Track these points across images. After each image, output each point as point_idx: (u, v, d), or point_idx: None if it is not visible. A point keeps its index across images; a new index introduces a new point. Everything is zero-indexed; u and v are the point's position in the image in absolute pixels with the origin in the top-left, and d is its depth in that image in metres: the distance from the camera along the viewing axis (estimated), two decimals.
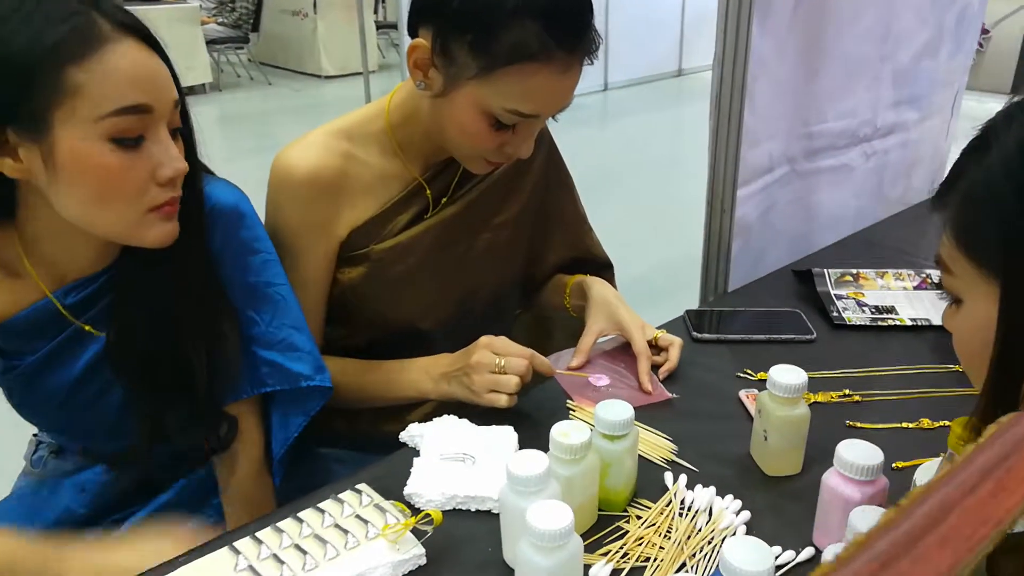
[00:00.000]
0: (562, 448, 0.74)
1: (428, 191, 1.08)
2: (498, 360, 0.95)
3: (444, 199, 1.09)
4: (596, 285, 1.14)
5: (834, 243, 1.54)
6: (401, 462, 0.90)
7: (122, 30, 0.76)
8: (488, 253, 1.13)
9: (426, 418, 1.13)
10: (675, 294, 2.79)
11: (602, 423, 0.79)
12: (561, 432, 0.76)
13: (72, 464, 1.07)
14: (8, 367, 0.91)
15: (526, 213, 1.17)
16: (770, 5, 1.28)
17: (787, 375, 0.83)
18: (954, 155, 1.69)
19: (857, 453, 0.72)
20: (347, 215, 1.05)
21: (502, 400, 0.95)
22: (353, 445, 1.18)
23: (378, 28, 8.20)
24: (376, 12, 8.36)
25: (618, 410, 0.80)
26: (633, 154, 5.18)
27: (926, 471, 0.83)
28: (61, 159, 0.74)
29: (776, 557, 0.73)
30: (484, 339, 0.99)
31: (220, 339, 0.93)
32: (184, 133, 0.84)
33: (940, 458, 0.86)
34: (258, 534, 0.77)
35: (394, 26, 8.64)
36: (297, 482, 1.10)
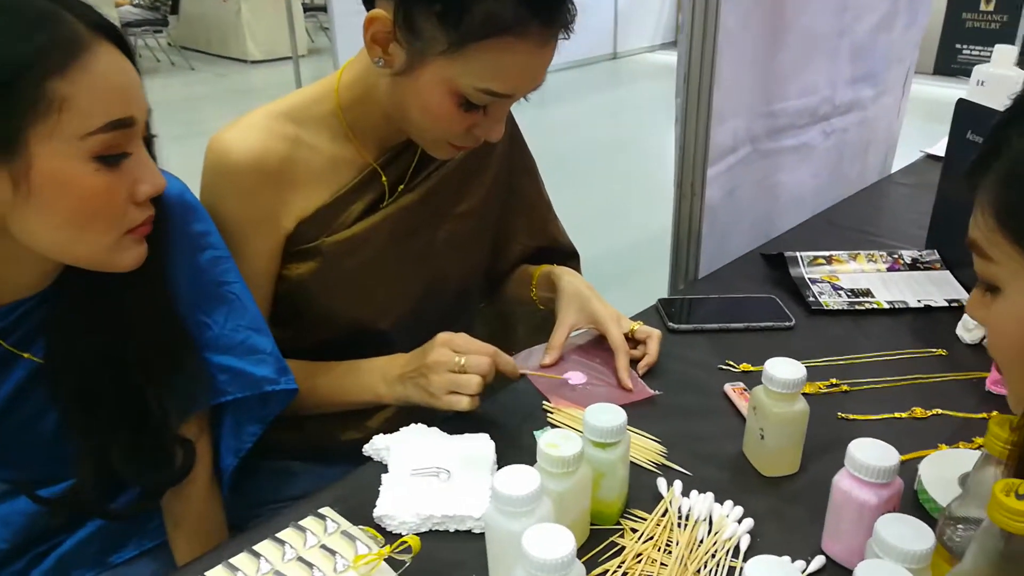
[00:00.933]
0: (552, 461, 0.67)
1: (384, 178, 0.98)
2: (458, 358, 0.87)
3: (401, 186, 1.00)
4: (566, 276, 1.07)
5: (797, 225, 1.50)
6: (366, 479, 0.81)
7: (98, 33, 0.66)
8: (450, 245, 1.05)
9: (387, 424, 1.05)
10: (629, 280, 2.76)
11: (593, 430, 0.72)
12: (550, 443, 0.68)
13: None
14: None
15: (490, 201, 1.08)
16: None
17: (784, 369, 0.77)
18: (906, 133, 1.67)
19: (871, 453, 0.67)
20: (294, 205, 0.95)
21: (463, 402, 0.86)
22: (305, 455, 1.09)
23: (306, 11, 7.94)
24: None
25: (609, 415, 0.72)
26: (572, 137, 5.13)
27: (931, 464, 0.79)
28: (38, 181, 0.65)
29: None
30: (442, 336, 0.90)
31: (174, 358, 0.84)
32: (148, 142, 0.75)
33: (945, 451, 0.82)
34: (232, 562, 0.67)
35: (323, 8, 8.36)
36: (243, 499, 1.01)
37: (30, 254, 0.72)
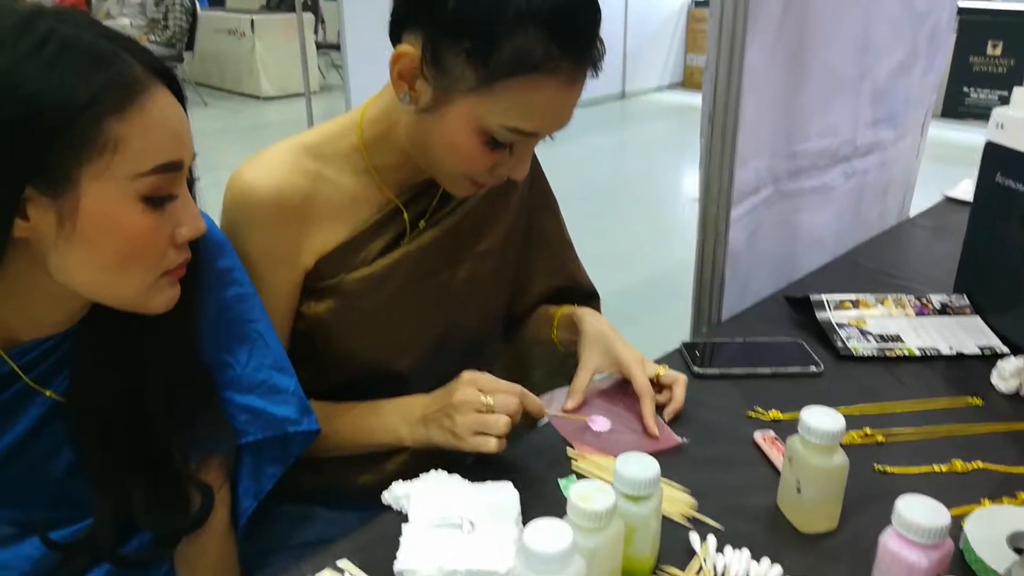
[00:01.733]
0: (584, 515, 0.64)
1: (405, 215, 0.96)
2: (485, 398, 0.84)
3: (422, 223, 0.98)
4: (588, 317, 1.04)
5: (820, 267, 1.48)
6: (386, 528, 0.78)
7: (154, 76, 0.67)
8: (470, 284, 1.02)
9: (404, 467, 1.02)
10: (641, 320, 2.73)
11: (625, 482, 0.68)
12: (580, 495, 0.65)
13: None
14: None
15: (511, 240, 1.06)
16: (759, 14, 1.21)
17: (823, 419, 0.74)
18: (924, 176, 1.66)
19: (920, 512, 0.63)
20: (314, 242, 0.93)
21: (490, 444, 0.83)
22: (320, 500, 1.05)
23: (319, 48, 8.05)
24: (316, 32, 8.20)
25: (642, 466, 0.69)
26: (581, 175, 5.14)
27: (977, 522, 0.75)
28: (84, 219, 0.64)
29: None
30: (467, 374, 0.87)
31: (196, 400, 0.83)
32: (190, 186, 0.74)
33: (990, 507, 0.78)
34: None
35: (335, 46, 8.49)
36: (257, 544, 0.98)
37: (62, 292, 0.72)
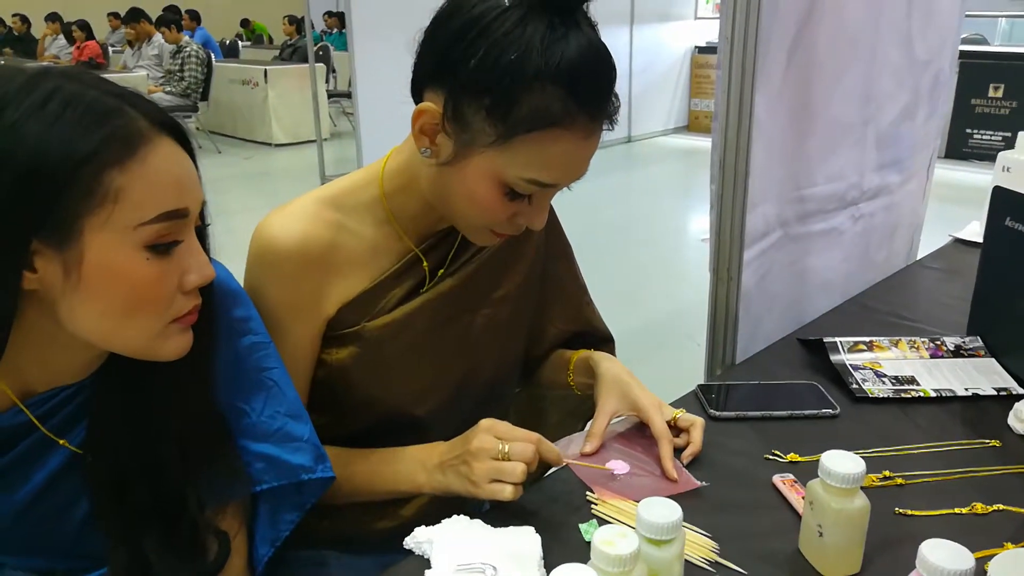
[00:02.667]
0: (608, 560, 0.64)
1: (425, 263, 0.98)
2: (501, 446, 0.85)
3: (441, 271, 1.00)
4: (604, 362, 1.05)
5: (831, 309, 1.49)
6: (408, 574, 0.78)
7: (159, 128, 0.69)
8: (488, 331, 1.04)
9: (421, 512, 1.02)
10: (649, 361, 2.73)
11: (648, 527, 0.69)
12: (605, 540, 0.65)
13: None
14: None
15: (527, 286, 1.08)
16: (763, 65, 1.25)
17: (843, 463, 0.75)
18: (930, 217, 1.68)
19: (945, 557, 0.63)
20: (336, 290, 0.95)
21: (506, 491, 0.84)
22: (337, 546, 1.05)
23: (329, 97, 8.21)
24: (327, 82, 8.37)
25: (664, 510, 0.70)
26: (588, 218, 5.18)
27: (1001, 566, 0.74)
28: (89, 269, 0.66)
29: None
30: (484, 422, 0.88)
31: (212, 450, 0.83)
32: (201, 232, 0.76)
33: (1012, 550, 0.78)
34: None
35: (346, 95, 8.65)
36: None
37: (76, 342, 0.72)
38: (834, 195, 1.64)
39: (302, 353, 0.95)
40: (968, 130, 6.53)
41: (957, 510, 0.87)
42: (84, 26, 8.59)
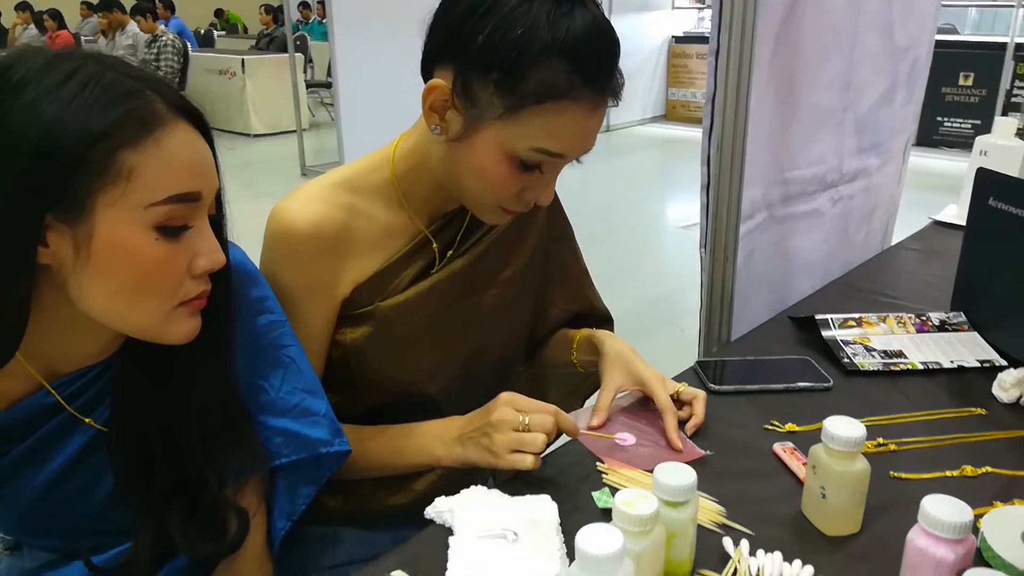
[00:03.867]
0: (630, 520, 0.67)
1: (435, 244, 1.01)
2: (522, 418, 0.88)
3: (450, 252, 1.03)
4: (608, 339, 1.09)
5: (819, 289, 1.53)
6: (431, 542, 0.81)
7: (177, 112, 0.70)
8: (496, 310, 1.07)
9: (433, 487, 1.05)
10: (636, 348, 2.77)
11: (665, 489, 0.72)
12: (626, 501, 0.68)
13: (31, 562, 0.94)
14: None
15: (532, 267, 1.11)
16: (754, 53, 1.28)
17: (845, 427, 0.79)
18: (904, 202, 1.73)
19: (946, 510, 0.67)
20: (350, 271, 0.97)
21: (527, 461, 0.87)
22: (350, 522, 1.08)
23: (308, 87, 8.16)
24: (305, 72, 8.32)
25: (680, 474, 0.73)
26: (567, 207, 5.22)
27: (992, 521, 0.79)
28: (98, 246, 0.67)
29: None
30: (504, 395, 0.91)
31: (233, 428, 0.85)
32: (217, 220, 0.77)
33: (1002, 508, 0.83)
34: None
35: (323, 85, 8.61)
36: (289, 567, 1.00)
37: (93, 322, 0.74)
38: (815, 178, 1.69)
39: (317, 333, 0.98)
40: (939, 118, 6.65)
41: (948, 473, 0.92)
42: (56, 15, 8.45)
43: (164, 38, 7.11)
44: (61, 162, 0.64)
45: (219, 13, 13.33)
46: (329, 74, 8.32)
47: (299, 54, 7.73)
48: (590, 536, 0.64)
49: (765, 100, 1.40)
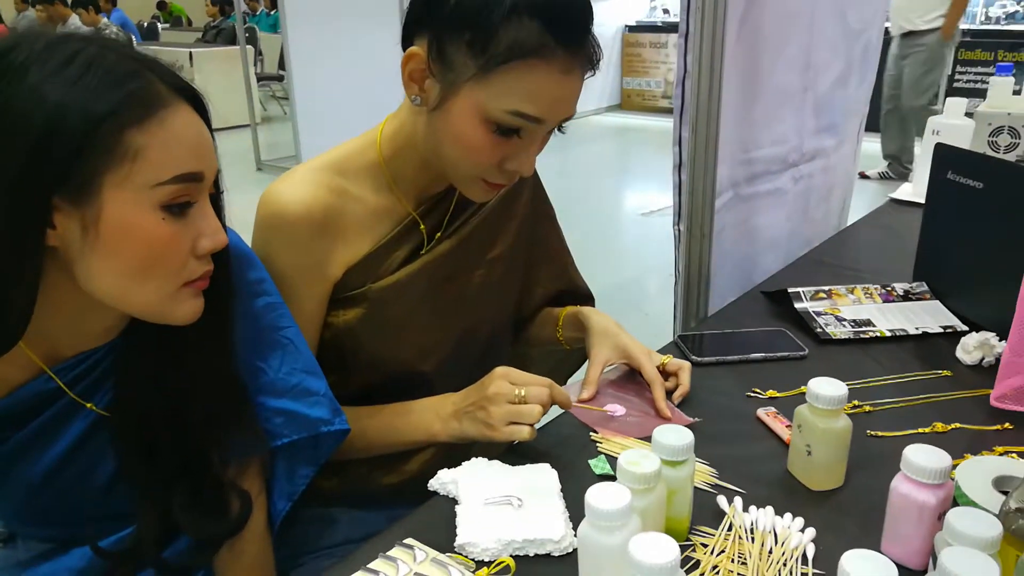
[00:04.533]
0: (635, 478, 0.71)
1: (422, 226, 1.03)
2: (518, 390, 0.90)
3: (438, 234, 1.04)
4: (594, 316, 1.12)
5: (788, 266, 1.59)
6: (437, 513, 0.83)
7: (177, 93, 0.71)
8: (484, 289, 1.09)
9: (426, 466, 1.07)
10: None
11: (664, 449, 0.76)
12: (630, 461, 0.72)
13: (26, 553, 0.93)
14: None
15: (517, 247, 1.13)
16: (724, 35, 1.32)
17: (828, 387, 0.83)
18: (857, 184, 1.79)
19: (925, 457, 0.72)
20: (341, 254, 0.98)
21: (523, 432, 0.89)
22: (344, 503, 1.10)
23: (258, 80, 8.02)
24: (255, 64, 8.18)
25: (678, 435, 0.77)
26: None
27: (964, 471, 0.84)
28: (106, 226, 0.67)
29: None
30: (499, 369, 0.93)
31: (234, 409, 0.86)
32: (216, 201, 0.78)
33: (972, 459, 0.88)
34: None
35: (274, 78, 8.48)
36: (287, 548, 1.02)
37: (98, 303, 0.74)
38: (778, 157, 1.75)
39: (310, 315, 0.99)
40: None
41: (920, 430, 0.97)
42: None
43: (108, 31, 6.91)
44: (68, 144, 0.65)
45: (162, 5, 13.01)
46: (280, 67, 8.22)
47: (249, 47, 7.60)
48: (599, 494, 0.67)
49: (730, 82, 1.44)
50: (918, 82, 5.09)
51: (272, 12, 9.99)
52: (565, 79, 0.87)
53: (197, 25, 11.62)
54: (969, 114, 1.89)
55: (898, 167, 5.39)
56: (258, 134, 6.14)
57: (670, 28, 8.54)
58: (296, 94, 5.23)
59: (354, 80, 5.24)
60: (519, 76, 0.85)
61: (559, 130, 0.93)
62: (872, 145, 6.10)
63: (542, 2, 0.83)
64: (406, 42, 0.91)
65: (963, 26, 6.40)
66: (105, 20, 7.26)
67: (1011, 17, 7.33)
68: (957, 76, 6.52)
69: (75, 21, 7.34)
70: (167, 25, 12.04)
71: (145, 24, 11.15)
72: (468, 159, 0.91)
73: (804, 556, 0.76)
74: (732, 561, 0.75)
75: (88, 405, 0.81)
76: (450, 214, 1.05)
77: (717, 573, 0.74)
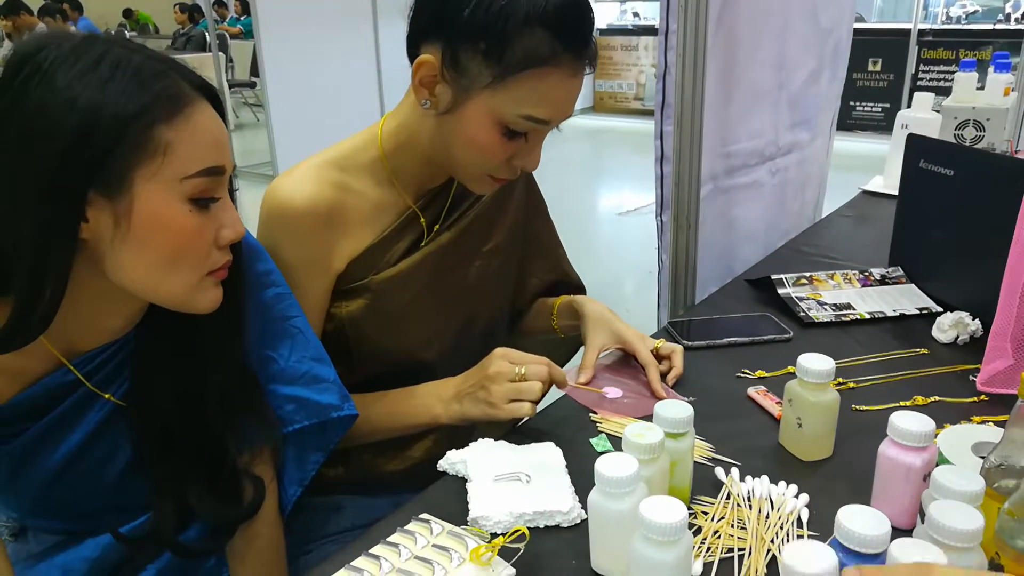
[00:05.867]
0: (640, 448, 0.74)
1: (422, 219, 1.06)
2: (518, 368, 0.94)
3: (437, 226, 1.08)
4: (588, 303, 1.16)
5: (769, 255, 1.64)
6: (448, 489, 0.87)
7: (199, 91, 0.74)
8: (482, 280, 1.12)
9: (429, 452, 1.10)
10: None
11: (666, 422, 0.80)
12: (635, 433, 0.75)
13: (37, 546, 0.95)
14: None
15: (512, 239, 1.17)
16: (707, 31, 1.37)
17: (816, 362, 0.87)
18: (842, 173, 1.87)
19: (910, 422, 0.77)
20: (344, 247, 1.01)
21: (524, 408, 0.93)
22: (349, 490, 1.12)
23: (231, 87, 7.98)
24: (227, 72, 8.13)
25: (679, 408, 0.81)
26: None
27: (945, 438, 0.89)
28: (138, 218, 0.70)
29: None
30: (499, 350, 0.97)
31: (247, 397, 0.89)
32: (231, 195, 0.81)
33: (951, 427, 0.93)
34: (355, 564, 0.71)
35: (246, 84, 8.44)
36: (295, 535, 1.04)
37: (120, 295, 0.77)
38: (755, 151, 1.81)
39: (315, 306, 1.01)
40: (852, 103, 6.99)
41: (902, 403, 1.02)
42: None
43: None
44: (102, 141, 0.68)
45: (128, 13, 12.85)
46: (252, 73, 8.18)
47: (221, 53, 7.56)
48: (609, 462, 0.70)
49: (709, 78, 1.49)
50: None
51: (243, 17, 9.94)
52: (573, 81, 0.92)
53: (164, 32, 11.51)
54: (936, 110, 1.96)
55: None
56: (232, 142, 6.10)
57: (641, 31, 8.65)
58: (271, 100, 5.22)
59: (328, 85, 5.26)
60: (533, 83, 0.89)
61: (556, 128, 0.97)
62: (838, 143, 6.24)
63: (553, 13, 0.87)
64: (413, 50, 0.94)
65: (925, 26, 6.58)
66: (73, 28, 7.18)
67: (971, 16, 7.53)
68: (921, 74, 6.68)
69: (42, 30, 7.26)
70: (134, 33, 11.88)
71: (112, 32, 11.02)
72: (479, 159, 0.95)
73: (799, 520, 0.80)
74: (732, 526, 0.79)
75: (105, 395, 0.84)
76: (448, 207, 1.08)
77: (718, 538, 0.78)
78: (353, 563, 0.72)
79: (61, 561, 0.92)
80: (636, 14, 9.09)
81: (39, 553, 0.94)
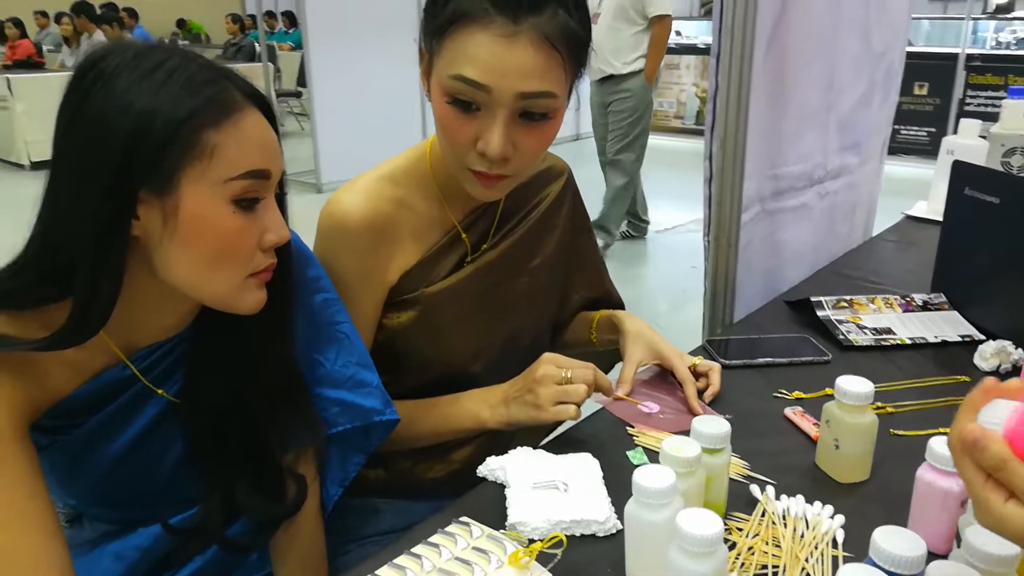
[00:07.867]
0: (678, 462, 0.76)
1: (464, 236, 1.08)
2: (564, 372, 0.96)
3: (484, 245, 1.10)
4: (628, 319, 1.17)
5: (810, 276, 1.64)
6: (486, 496, 0.89)
7: (250, 100, 0.78)
8: (528, 296, 1.14)
9: (469, 459, 1.12)
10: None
11: (703, 437, 0.81)
12: (673, 447, 0.77)
13: (92, 532, 0.99)
14: (53, 440, 0.84)
15: (558, 256, 1.19)
16: (752, 55, 1.39)
17: (855, 384, 0.88)
18: (886, 197, 1.85)
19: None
20: (398, 260, 1.05)
21: (570, 410, 0.95)
22: (388, 494, 1.15)
23: (277, 97, 8.15)
24: (274, 81, 8.31)
25: (716, 424, 0.82)
26: None
27: None
28: (183, 217, 0.74)
29: None
30: (547, 355, 1.00)
31: (294, 397, 0.92)
32: (280, 200, 0.85)
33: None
34: (397, 562, 0.74)
35: (292, 94, 8.61)
36: (334, 536, 1.06)
37: (172, 294, 0.81)
38: (803, 174, 1.80)
39: (367, 317, 1.05)
40: (896, 126, 6.90)
41: (941, 430, 1.02)
42: (18, 23, 8.35)
43: None
44: (154, 143, 0.72)
45: (181, 23, 13.23)
46: (298, 83, 8.35)
47: (269, 63, 7.74)
48: (647, 474, 0.72)
49: (757, 99, 1.50)
50: (626, 133, 4.63)
51: (291, 30, 10.16)
52: (509, 45, 0.85)
53: (215, 42, 11.80)
54: (982, 136, 1.95)
55: (636, 223, 4.99)
56: None
57: (683, 50, 8.64)
58: (316, 110, 5.33)
59: (372, 95, 5.35)
60: (459, 43, 0.87)
61: (535, 115, 0.90)
62: (893, 168, 6.17)
63: None
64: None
65: (974, 50, 6.48)
66: (129, 37, 7.41)
67: (1021, 42, 7.40)
68: (968, 100, 6.59)
69: (99, 36, 7.52)
70: (186, 42, 12.22)
71: (166, 41, 11.31)
72: (447, 145, 0.94)
73: (834, 540, 0.81)
74: (766, 543, 0.80)
75: (160, 392, 0.87)
76: (496, 223, 1.11)
77: (753, 554, 0.79)
78: (395, 560, 0.74)
79: (114, 549, 0.96)
80: (678, 32, 9.08)
81: (93, 540, 0.98)
